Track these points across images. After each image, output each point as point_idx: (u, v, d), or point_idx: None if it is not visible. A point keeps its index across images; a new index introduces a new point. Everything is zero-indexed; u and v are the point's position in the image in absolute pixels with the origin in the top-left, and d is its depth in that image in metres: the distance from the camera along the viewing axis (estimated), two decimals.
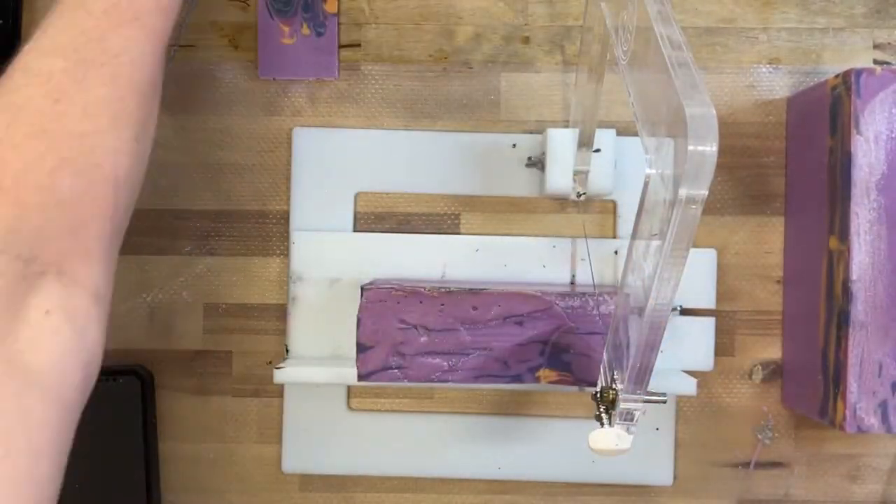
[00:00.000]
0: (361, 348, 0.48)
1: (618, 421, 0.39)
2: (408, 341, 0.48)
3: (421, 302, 0.48)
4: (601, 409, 0.40)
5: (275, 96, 0.56)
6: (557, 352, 0.48)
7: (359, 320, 0.48)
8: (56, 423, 0.34)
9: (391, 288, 0.48)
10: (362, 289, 0.48)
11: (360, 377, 0.48)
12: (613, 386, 0.39)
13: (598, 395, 0.41)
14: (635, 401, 0.38)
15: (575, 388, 0.48)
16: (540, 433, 0.55)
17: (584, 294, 0.48)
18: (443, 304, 0.48)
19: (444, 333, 0.48)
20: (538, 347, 0.48)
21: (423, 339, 0.48)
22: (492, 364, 0.48)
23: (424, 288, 0.48)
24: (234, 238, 0.56)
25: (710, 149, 0.29)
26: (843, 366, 0.47)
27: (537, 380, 0.48)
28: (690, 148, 0.29)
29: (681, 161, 0.30)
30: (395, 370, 0.48)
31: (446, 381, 0.48)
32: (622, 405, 0.39)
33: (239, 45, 0.56)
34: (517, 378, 0.48)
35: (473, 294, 0.48)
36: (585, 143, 0.50)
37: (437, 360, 0.48)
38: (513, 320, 0.48)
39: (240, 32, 0.56)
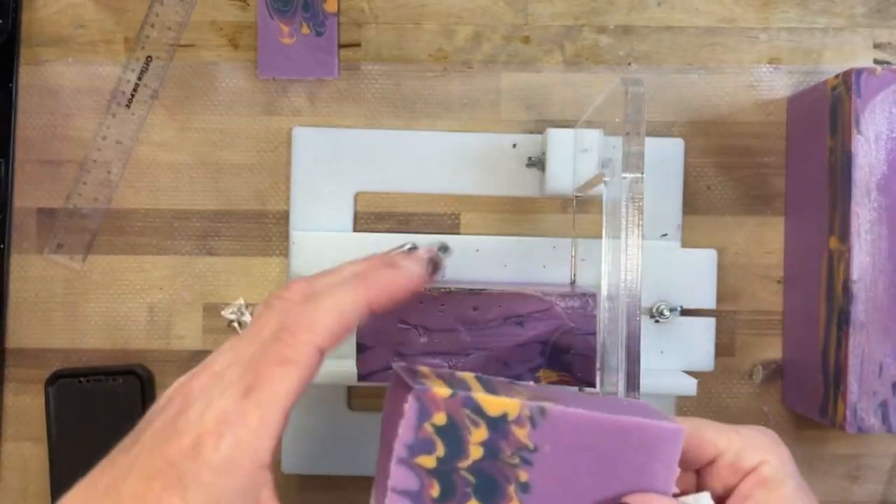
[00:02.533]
0: (361, 348, 0.48)
1: None
2: (408, 342, 0.48)
3: (421, 302, 0.48)
4: None
5: (275, 96, 0.56)
6: (558, 352, 0.48)
7: None
8: None
9: None
10: None
11: (360, 377, 0.48)
12: (608, 391, 0.40)
13: None
14: None
15: (575, 389, 0.48)
16: None
17: (584, 294, 0.48)
18: (443, 305, 0.48)
19: (445, 334, 0.48)
20: (538, 348, 0.48)
21: (423, 339, 0.48)
22: (492, 364, 0.48)
23: (425, 288, 0.48)
24: (234, 238, 0.56)
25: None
26: (844, 366, 0.47)
27: (538, 380, 0.48)
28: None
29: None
30: None
31: None
32: None
33: (239, 45, 0.56)
34: (518, 378, 0.48)
35: (474, 294, 0.48)
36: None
37: (437, 361, 0.48)
38: (513, 321, 0.48)
39: (239, 32, 0.56)
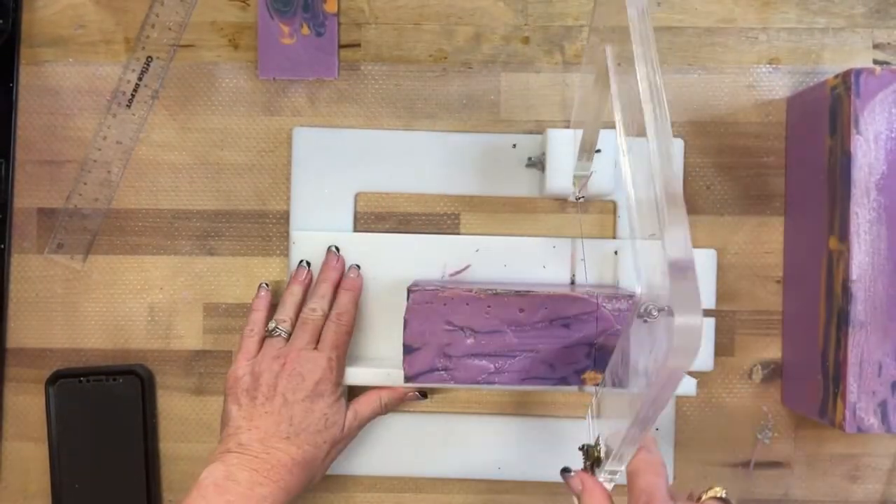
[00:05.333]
0: (408, 350, 0.48)
1: (602, 474, 0.40)
2: (454, 343, 0.48)
3: (467, 304, 0.48)
4: (586, 463, 0.41)
5: (275, 96, 0.56)
6: (604, 354, 0.47)
7: (406, 322, 0.48)
8: None
9: (437, 290, 0.48)
10: (408, 290, 0.48)
11: (408, 378, 0.48)
12: (598, 447, 0.40)
13: (584, 449, 0.41)
14: (617, 469, 0.39)
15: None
16: (540, 433, 0.55)
17: (631, 296, 0.48)
18: (489, 306, 0.48)
19: (491, 335, 0.47)
20: (584, 350, 0.47)
21: (470, 340, 0.48)
22: (538, 366, 0.47)
23: (471, 290, 0.48)
24: (234, 238, 0.56)
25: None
26: (843, 366, 0.47)
27: (583, 382, 0.48)
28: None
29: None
30: (442, 372, 0.47)
31: (492, 383, 0.48)
32: (607, 470, 0.40)
33: (239, 45, 0.56)
34: (563, 380, 0.48)
35: (520, 296, 0.48)
36: (587, 149, 0.49)
37: (484, 363, 0.48)
38: (559, 322, 0.47)
39: (239, 32, 0.56)
